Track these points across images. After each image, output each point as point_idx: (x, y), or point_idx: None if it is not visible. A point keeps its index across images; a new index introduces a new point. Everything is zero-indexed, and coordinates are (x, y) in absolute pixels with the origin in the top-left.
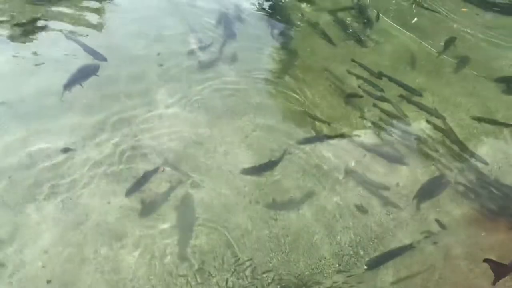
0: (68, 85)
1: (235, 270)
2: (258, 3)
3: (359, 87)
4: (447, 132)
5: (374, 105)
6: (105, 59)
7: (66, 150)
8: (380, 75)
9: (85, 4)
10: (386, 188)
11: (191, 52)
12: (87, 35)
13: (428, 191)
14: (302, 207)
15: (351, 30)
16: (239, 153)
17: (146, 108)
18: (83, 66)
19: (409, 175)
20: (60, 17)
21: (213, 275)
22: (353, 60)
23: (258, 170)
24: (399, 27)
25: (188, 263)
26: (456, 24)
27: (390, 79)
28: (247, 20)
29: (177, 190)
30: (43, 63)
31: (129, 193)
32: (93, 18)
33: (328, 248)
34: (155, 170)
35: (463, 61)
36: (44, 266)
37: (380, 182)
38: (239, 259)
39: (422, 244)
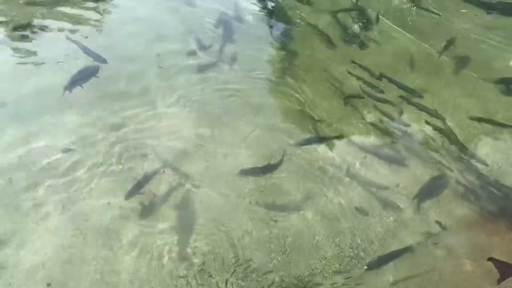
0: (68, 86)
1: (235, 271)
2: (258, 3)
3: (359, 88)
4: (447, 133)
5: (374, 106)
6: (105, 61)
7: (66, 150)
8: (380, 76)
9: (85, 4)
10: (387, 189)
11: (191, 52)
12: (87, 36)
13: (428, 192)
14: (302, 208)
15: (350, 31)
16: (239, 154)
17: (146, 108)
18: (83, 67)
19: (409, 176)
20: (60, 17)
21: (213, 276)
22: (353, 61)
23: (258, 171)
24: (398, 29)
25: (188, 264)
26: (456, 25)
27: (390, 80)
28: (247, 20)
29: (177, 191)
30: (43, 63)
31: (128, 196)
32: (93, 18)
33: (329, 249)
34: (155, 172)
35: (462, 62)
36: (43, 268)
37: (381, 183)
38: (239, 260)
39: (422, 245)
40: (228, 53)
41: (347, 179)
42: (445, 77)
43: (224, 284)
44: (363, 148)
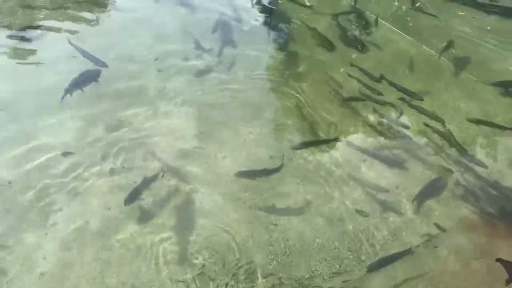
0: (69, 90)
1: (235, 274)
2: (258, 6)
3: (359, 90)
4: (446, 135)
5: (374, 109)
6: (105, 65)
7: (65, 154)
8: (379, 79)
9: (85, 5)
10: (386, 191)
11: (190, 53)
12: (87, 38)
13: (428, 194)
14: (302, 211)
15: (350, 34)
16: (238, 157)
17: (145, 110)
18: (84, 71)
19: (408, 178)
20: (60, 19)
21: (213, 279)
22: (352, 64)
23: (258, 174)
24: (398, 31)
25: (188, 267)
26: (454, 28)
27: (390, 82)
28: (247, 22)
29: (176, 194)
30: (43, 64)
31: (128, 201)
32: (93, 19)
33: (329, 251)
34: (155, 177)
35: (461, 65)
36: (42, 274)
37: (380, 185)
38: (239, 262)
39: (421, 248)
40: (227, 55)
41: (347, 181)
42: (444, 79)
43: (224, 287)
44: (362, 150)
